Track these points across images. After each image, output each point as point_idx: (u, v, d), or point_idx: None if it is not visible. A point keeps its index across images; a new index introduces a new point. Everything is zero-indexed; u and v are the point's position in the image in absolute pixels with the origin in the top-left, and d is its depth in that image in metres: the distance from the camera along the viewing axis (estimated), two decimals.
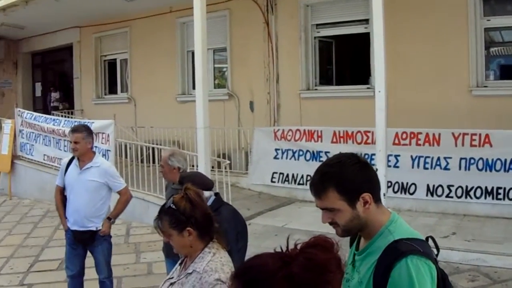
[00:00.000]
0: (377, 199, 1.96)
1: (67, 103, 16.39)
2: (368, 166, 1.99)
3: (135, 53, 13.21)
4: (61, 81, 17.64)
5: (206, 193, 3.69)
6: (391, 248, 1.86)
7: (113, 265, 6.77)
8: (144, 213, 8.86)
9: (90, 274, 5.52)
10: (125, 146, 10.10)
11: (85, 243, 5.16)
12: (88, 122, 9.51)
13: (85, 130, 5.19)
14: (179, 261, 2.77)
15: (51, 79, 17.91)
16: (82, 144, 5.03)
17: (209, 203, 3.62)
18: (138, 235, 8.35)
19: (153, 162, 9.08)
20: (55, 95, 16.52)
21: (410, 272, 1.78)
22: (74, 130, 5.17)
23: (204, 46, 7.70)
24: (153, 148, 9.44)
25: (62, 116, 12.28)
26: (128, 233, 8.53)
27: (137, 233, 8.51)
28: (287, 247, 1.51)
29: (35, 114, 11.80)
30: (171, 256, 4.50)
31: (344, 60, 11.59)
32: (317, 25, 10.38)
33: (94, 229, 5.10)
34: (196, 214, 2.58)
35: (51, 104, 16.20)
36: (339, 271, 1.48)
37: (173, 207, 2.58)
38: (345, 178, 1.91)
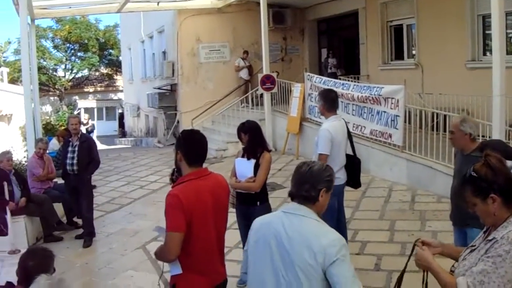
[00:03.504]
0: None
1: (344, 70, 17.13)
2: None
3: (422, 18, 13.17)
4: (346, 47, 18.62)
5: (509, 163, 3.41)
6: None
7: (397, 230, 7.31)
8: (430, 181, 9.05)
9: None
10: (410, 112, 10.26)
11: None
12: (377, 87, 10.09)
13: (318, 94, 6.18)
14: (483, 229, 2.77)
15: (336, 45, 18.83)
16: (319, 106, 6.04)
17: None
18: (423, 203, 8.55)
19: (444, 130, 9.11)
20: (332, 61, 17.26)
21: None
22: None
23: (502, 9, 7.42)
24: (444, 116, 9.48)
25: (350, 80, 12.92)
26: (414, 200, 8.79)
27: (422, 200, 8.72)
28: None
29: (324, 78, 12.72)
30: (458, 224, 4.70)
31: None
32: None
33: None
34: (498, 180, 2.54)
35: (328, 70, 16.94)
36: None
37: (474, 174, 2.59)
38: None
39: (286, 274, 2.78)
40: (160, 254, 3.49)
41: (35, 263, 3.38)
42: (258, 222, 3.05)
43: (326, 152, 5.69)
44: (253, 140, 5.75)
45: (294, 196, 2.94)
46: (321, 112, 6.12)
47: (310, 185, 2.88)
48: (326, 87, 11.28)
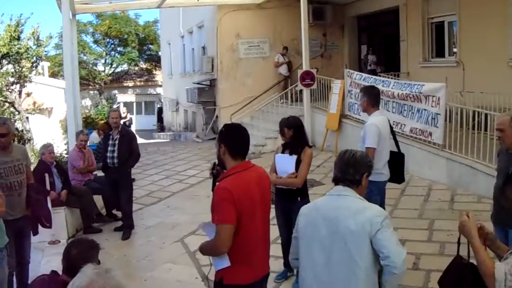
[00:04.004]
0: None
1: (384, 66, 17.11)
2: None
3: (464, 15, 13.03)
4: (386, 44, 18.55)
5: None
6: None
7: (436, 230, 7.30)
8: (470, 181, 9.02)
9: None
10: (451, 110, 10.09)
11: None
12: (418, 85, 10.10)
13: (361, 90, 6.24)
14: None
15: (376, 42, 18.82)
16: (361, 102, 6.09)
17: None
18: (463, 203, 8.51)
19: (485, 129, 9.09)
20: (372, 58, 17.26)
21: None
22: None
23: None
24: (485, 114, 9.40)
25: (390, 78, 12.90)
26: (453, 200, 8.78)
27: (462, 200, 8.69)
28: None
29: (364, 75, 12.74)
30: (501, 223, 4.65)
31: None
32: None
33: None
34: None
35: (368, 67, 16.93)
36: None
37: None
38: None
39: (335, 249, 3.11)
40: (210, 249, 3.55)
41: (79, 251, 3.41)
42: (307, 207, 3.40)
43: (374, 146, 5.70)
44: (296, 136, 5.75)
45: (339, 180, 3.29)
46: (364, 108, 6.10)
47: (354, 170, 3.25)
48: (366, 84, 11.27)
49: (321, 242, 3.17)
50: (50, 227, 6.36)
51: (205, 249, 3.63)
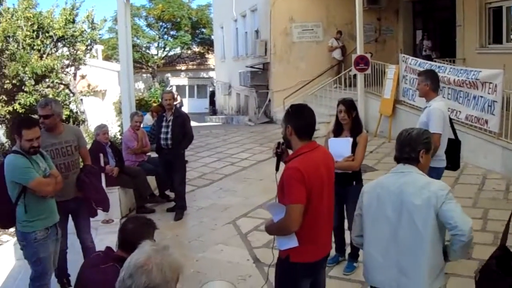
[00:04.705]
0: None
1: (439, 52, 16.86)
2: None
3: None
4: (442, 29, 18.29)
5: None
6: None
7: (490, 219, 7.28)
8: None
9: None
10: (509, 98, 9.89)
11: None
12: (474, 71, 10.01)
13: (423, 74, 5.93)
14: None
15: (432, 27, 18.55)
16: (421, 86, 5.78)
17: None
18: None
19: None
20: (427, 43, 16.99)
21: None
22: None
23: None
24: None
25: (445, 63, 12.75)
26: (508, 189, 8.66)
27: None
28: None
29: (419, 60, 12.67)
30: None
31: None
32: None
33: None
34: None
35: (423, 53, 16.63)
36: None
37: None
38: None
39: (401, 224, 3.31)
40: (278, 228, 3.59)
41: (135, 226, 3.45)
42: (370, 185, 3.60)
43: (440, 131, 5.52)
44: (357, 118, 5.74)
45: (399, 159, 3.50)
46: (425, 92, 5.80)
47: (410, 148, 3.43)
48: (421, 69, 11.03)
49: (387, 217, 3.36)
50: (104, 210, 6.43)
51: (272, 229, 3.70)
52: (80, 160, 5.99)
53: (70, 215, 5.82)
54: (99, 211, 6.18)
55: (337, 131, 5.80)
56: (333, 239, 4.90)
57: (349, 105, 5.69)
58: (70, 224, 5.92)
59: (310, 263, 3.64)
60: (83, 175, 5.76)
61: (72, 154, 5.69)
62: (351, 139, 5.62)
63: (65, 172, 5.56)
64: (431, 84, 5.74)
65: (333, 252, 5.80)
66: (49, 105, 5.51)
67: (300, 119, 3.63)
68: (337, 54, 17.58)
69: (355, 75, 14.94)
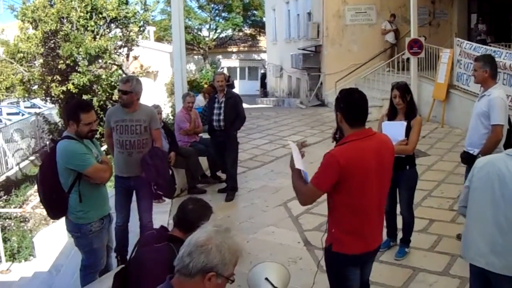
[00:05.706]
0: None
1: (494, 36, 16.42)
2: None
3: None
4: (497, 13, 17.80)
5: None
6: None
7: None
8: None
9: None
10: None
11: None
12: None
13: (482, 59, 5.63)
14: None
15: (487, 10, 18.11)
16: (479, 73, 5.46)
17: None
18: None
19: None
20: (482, 27, 16.68)
21: None
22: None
23: None
24: None
25: (501, 48, 12.53)
26: None
27: None
28: None
29: (474, 44, 12.48)
30: None
31: None
32: None
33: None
34: None
35: (478, 37, 16.28)
36: None
37: None
38: None
39: (507, 211, 3.35)
40: (296, 189, 3.59)
41: (195, 208, 3.52)
42: (482, 160, 3.63)
43: (503, 122, 5.27)
44: (412, 102, 5.71)
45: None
46: (483, 79, 5.50)
47: None
48: (476, 54, 11.09)
49: (492, 197, 3.40)
50: (166, 196, 6.54)
51: (295, 184, 3.61)
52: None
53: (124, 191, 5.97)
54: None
55: (392, 115, 5.78)
56: (384, 224, 4.79)
57: (403, 89, 5.64)
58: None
59: (349, 255, 3.55)
60: (147, 156, 5.74)
61: (141, 133, 5.76)
62: (405, 123, 5.56)
63: (129, 149, 5.73)
64: (490, 70, 5.43)
65: (384, 236, 5.63)
66: (129, 82, 5.69)
67: (349, 106, 3.50)
68: (390, 37, 17.45)
69: (408, 59, 14.85)
